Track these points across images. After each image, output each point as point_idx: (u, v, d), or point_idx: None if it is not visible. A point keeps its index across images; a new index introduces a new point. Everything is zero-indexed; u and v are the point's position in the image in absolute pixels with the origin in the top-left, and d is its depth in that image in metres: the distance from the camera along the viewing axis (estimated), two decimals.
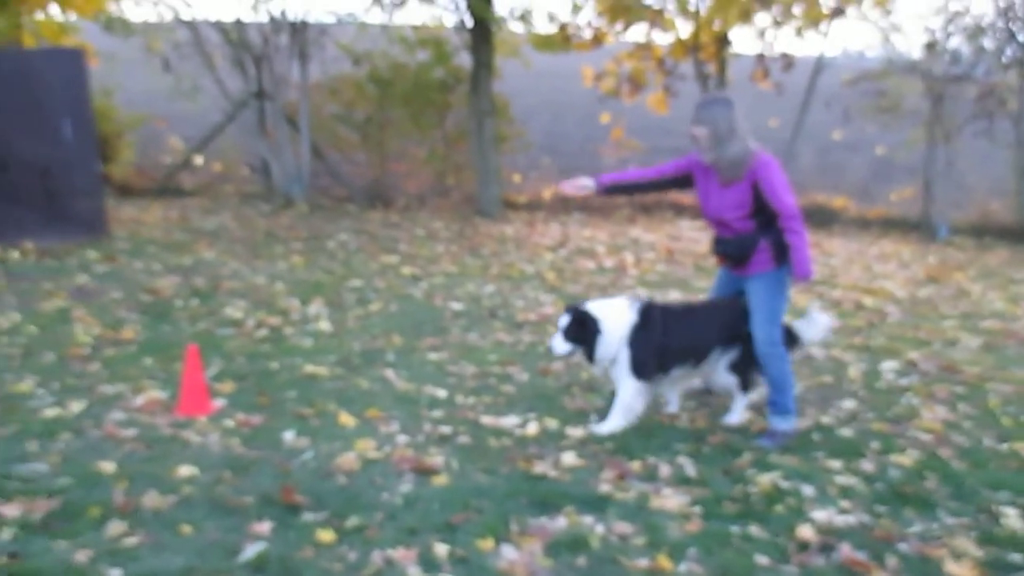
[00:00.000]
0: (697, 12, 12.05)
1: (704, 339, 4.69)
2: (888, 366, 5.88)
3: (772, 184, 4.32)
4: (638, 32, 12.58)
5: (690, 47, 12.28)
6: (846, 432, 4.68)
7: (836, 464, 4.23)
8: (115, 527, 3.40)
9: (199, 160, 13.70)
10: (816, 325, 4.90)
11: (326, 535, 3.39)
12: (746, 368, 4.73)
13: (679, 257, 9.68)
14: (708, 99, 4.59)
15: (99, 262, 8.27)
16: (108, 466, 3.94)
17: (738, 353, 4.68)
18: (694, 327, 4.71)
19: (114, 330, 6.14)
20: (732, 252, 4.54)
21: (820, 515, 3.67)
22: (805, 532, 3.52)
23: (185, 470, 3.93)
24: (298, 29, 11.87)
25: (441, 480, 3.93)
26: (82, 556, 3.18)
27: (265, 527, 3.44)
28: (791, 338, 4.76)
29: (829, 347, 6.31)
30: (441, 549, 3.31)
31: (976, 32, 11.60)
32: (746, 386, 4.81)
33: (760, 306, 4.50)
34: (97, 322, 6.32)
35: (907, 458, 4.31)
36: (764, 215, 4.39)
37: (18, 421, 4.45)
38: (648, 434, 4.58)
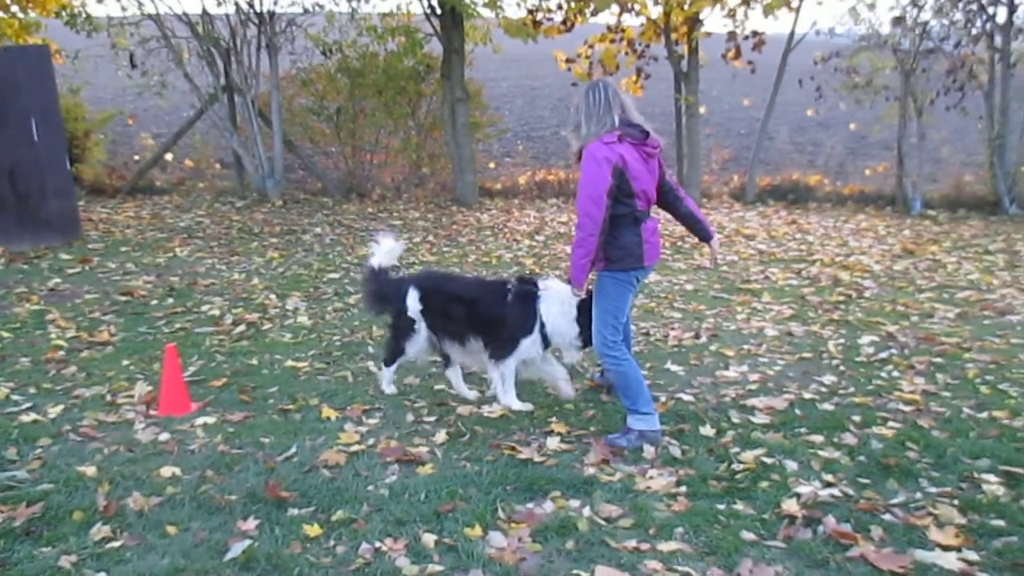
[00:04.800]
0: None
1: None
2: (867, 340, 5.93)
3: (580, 176, 4.05)
4: (609, 15, 12.53)
5: (661, 28, 12.24)
6: (827, 406, 4.71)
7: (819, 439, 4.25)
8: (99, 530, 3.36)
9: (170, 157, 13.54)
10: None
11: (313, 530, 3.37)
12: None
13: None
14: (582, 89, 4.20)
15: (72, 264, 8.16)
16: (89, 469, 3.90)
17: None
18: None
19: (90, 332, 6.07)
20: None
21: (805, 489, 3.69)
22: (790, 507, 3.54)
23: (168, 470, 3.90)
24: (265, 20, 11.74)
25: (427, 470, 3.92)
26: (67, 561, 3.14)
27: (251, 524, 3.42)
28: None
29: (808, 323, 6.35)
30: (429, 539, 3.31)
31: (945, 5, 11.65)
32: None
33: (594, 307, 4.37)
34: (72, 325, 6.25)
35: (888, 430, 4.35)
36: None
37: None
38: None
